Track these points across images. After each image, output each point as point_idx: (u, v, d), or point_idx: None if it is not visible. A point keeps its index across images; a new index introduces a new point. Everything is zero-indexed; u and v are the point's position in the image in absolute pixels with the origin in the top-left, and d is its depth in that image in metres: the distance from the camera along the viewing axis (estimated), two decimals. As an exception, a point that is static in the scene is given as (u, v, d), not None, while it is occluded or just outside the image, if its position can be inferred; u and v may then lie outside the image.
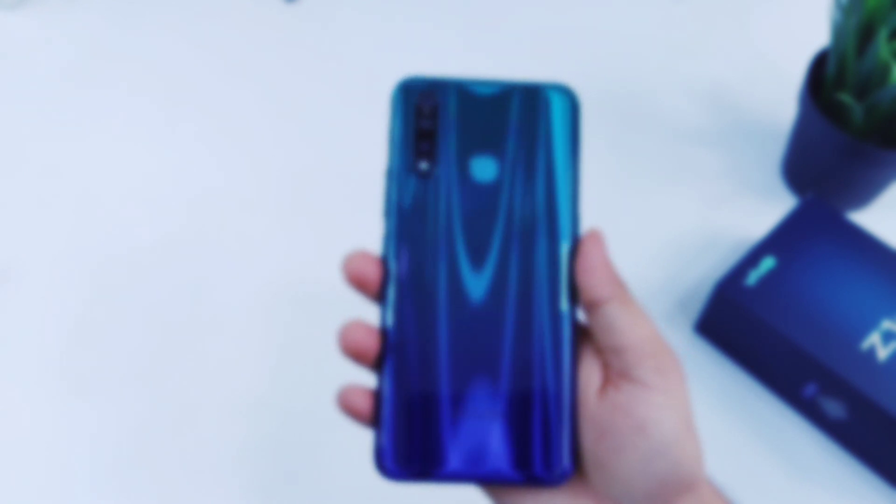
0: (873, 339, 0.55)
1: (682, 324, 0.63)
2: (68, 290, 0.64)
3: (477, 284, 0.30)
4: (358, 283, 0.30)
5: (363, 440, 0.58)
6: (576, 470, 0.30)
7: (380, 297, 0.30)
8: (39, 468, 0.56)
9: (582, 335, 0.31)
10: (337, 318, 0.63)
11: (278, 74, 0.77)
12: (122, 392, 0.59)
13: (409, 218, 0.30)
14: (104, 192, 0.69)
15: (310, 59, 0.78)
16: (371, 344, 0.29)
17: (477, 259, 0.30)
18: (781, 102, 0.76)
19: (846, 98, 0.59)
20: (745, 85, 0.77)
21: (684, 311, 0.64)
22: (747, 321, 0.57)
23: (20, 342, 0.61)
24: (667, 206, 0.69)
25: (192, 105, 0.75)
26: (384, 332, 0.30)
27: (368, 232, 0.68)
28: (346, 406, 0.29)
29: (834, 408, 0.56)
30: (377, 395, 0.30)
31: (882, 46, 0.56)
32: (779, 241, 0.59)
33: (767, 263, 0.58)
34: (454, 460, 0.29)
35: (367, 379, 0.60)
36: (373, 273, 0.30)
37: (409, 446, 0.29)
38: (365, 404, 0.29)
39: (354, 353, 0.29)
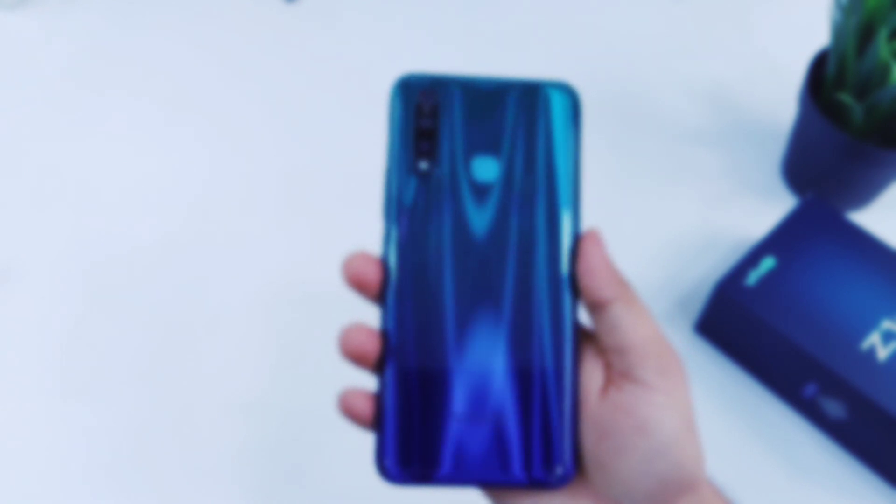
0: (873, 339, 0.55)
1: (682, 324, 0.63)
2: (68, 290, 0.64)
3: (478, 285, 0.30)
4: (358, 284, 0.29)
5: (363, 440, 0.58)
6: (576, 470, 0.30)
7: (380, 298, 0.30)
8: (38, 468, 0.56)
9: (582, 335, 0.31)
10: (337, 318, 0.63)
11: (278, 74, 0.77)
12: (121, 392, 0.59)
13: (409, 218, 0.30)
14: (104, 192, 0.69)
15: (310, 59, 0.78)
16: (372, 347, 0.29)
17: (477, 260, 0.30)
18: (781, 102, 0.76)
19: (846, 98, 0.59)
20: (745, 85, 0.77)
21: (684, 311, 0.64)
22: (747, 321, 0.57)
23: (19, 342, 0.61)
24: (667, 206, 0.69)
25: (192, 105, 0.75)
26: (385, 335, 0.29)
27: (368, 232, 0.68)
28: (348, 410, 0.29)
29: (834, 408, 0.56)
30: (378, 398, 0.29)
31: (882, 46, 0.56)
32: (779, 241, 0.59)
33: (767, 263, 0.58)
34: (456, 463, 0.29)
35: (367, 380, 0.60)
36: (373, 274, 0.29)
37: (410, 450, 0.29)
38: (366, 408, 0.29)
39: (355, 357, 0.29)
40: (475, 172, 0.30)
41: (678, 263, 0.66)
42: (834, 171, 0.64)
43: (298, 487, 0.56)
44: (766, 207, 0.69)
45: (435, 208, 0.30)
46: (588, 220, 0.68)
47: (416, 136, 0.30)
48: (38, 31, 0.79)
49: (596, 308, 0.29)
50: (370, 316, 0.63)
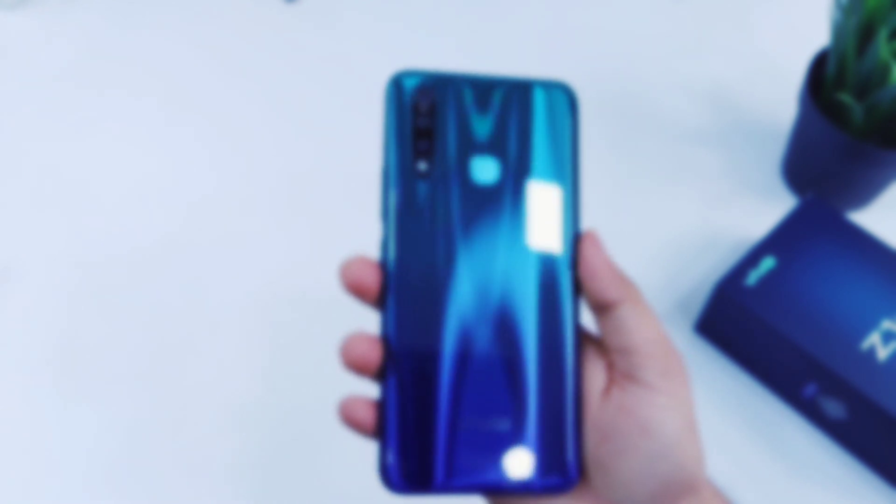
0: (873, 339, 0.55)
1: (682, 324, 0.63)
2: (66, 290, 0.64)
3: (478, 288, 0.29)
4: (357, 290, 0.29)
5: (362, 444, 0.58)
6: (581, 473, 0.30)
7: (379, 303, 0.29)
8: (34, 468, 0.56)
9: (583, 338, 0.31)
10: (335, 320, 0.63)
11: (278, 74, 0.77)
12: (119, 393, 0.59)
13: (407, 220, 0.29)
14: (103, 192, 0.69)
15: (310, 58, 0.78)
16: (374, 356, 0.28)
17: (477, 261, 0.29)
18: (781, 102, 0.76)
19: (846, 98, 0.59)
20: (745, 85, 0.77)
21: (684, 311, 0.64)
22: (747, 321, 0.57)
23: (16, 342, 0.61)
24: (667, 206, 0.69)
25: (192, 105, 0.75)
26: (386, 341, 0.29)
27: (367, 233, 0.67)
28: (349, 418, 0.28)
29: (834, 408, 0.56)
30: (380, 406, 0.29)
31: (882, 46, 0.56)
32: (779, 241, 0.59)
33: (767, 263, 0.58)
34: (460, 472, 0.28)
35: (367, 386, 0.60)
36: (372, 279, 0.29)
37: (414, 458, 0.28)
38: (368, 416, 0.28)
39: (358, 367, 0.28)
40: (473, 172, 0.30)
41: (678, 263, 0.66)
42: (834, 171, 0.64)
43: (297, 491, 0.56)
44: (766, 207, 0.69)
45: (433, 209, 0.29)
46: (589, 221, 0.68)
47: (413, 135, 0.29)
48: (38, 31, 0.79)
49: (601, 309, 0.29)
50: (369, 317, 0.63)
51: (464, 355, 0.29)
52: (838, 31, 0.60)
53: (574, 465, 0.29)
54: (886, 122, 0.63)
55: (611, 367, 0.29)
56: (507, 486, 0.29)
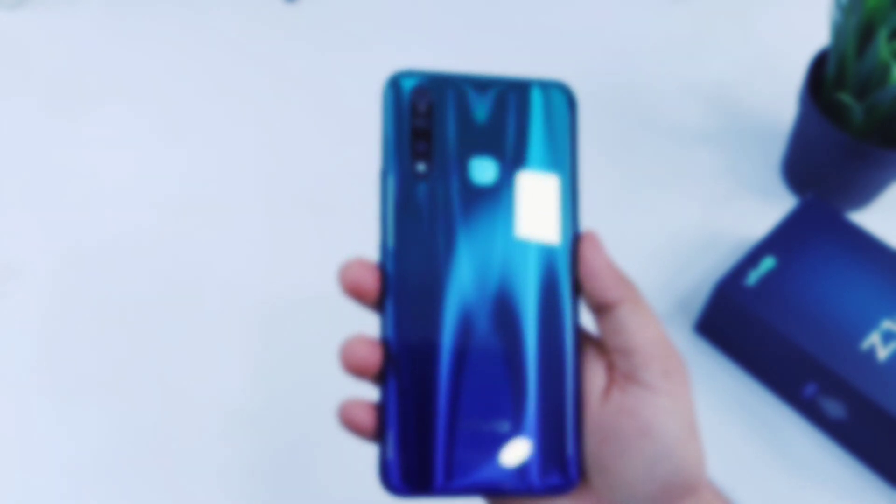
0: (873, 339, 0.55)
1: (682, 324, 0.63)
2: (58, 292, 0.64)
3: (478, 289, 0.29)
4: (356, 293, 0.28)
5: (360, 448, 0.58)
6: (581, 474, 0.30)
7: (379, 305, 0.29)
8: (23, 472, 0.56)
9: (583, 339, 0.31)
10: (334, 322, 0.63)
11: (277, 74, 0.77)
12: (111, 397, 0.59)
13: (405, 222, 0.29)
14: (103, 192, 0.69)
15: (310, 58, 0.78)
16: (374, 359, 0.28)
17: (477, 263, 0.29)
18: (781, 102, 0.76)
19: (846, 98, 0.59)
20: (745, 85, 0.77)
21: (684, 311, 0.64)
22: (747, 321, 0.57)
23: (8, 345, 0.61)
24: (667, 206, 0.69)
25: (192, 105, 0.75)
26: (385, 344, 0.29)
27: (366, 234, 0.67)
28: (348, 421, 0.28)
29: (834, 408, 0.56)
30: (380, 409, 0.29)
31: (882, 46, 0.56)
32: (779, 241, 0.59)
33: (767, 263, 0.58)
34: (460, 474, 0.28)
35: (365, 389, 0.60)
36: (371, 282, 0.28)
37: (414, 461, 0.28)
38: (367, 419, 0.28)
39: (358, 370, 0.28)
40: (472, 173, 0.30)
41: (678, 263, 0.66)
42: (834, 171, 0.64)
43: (296, 494, 0.56)
44: (766, 207, 0.69)
45: (431, 210, 0.29)
46: (589, 221, 0.68)
47: (411, 136, 0.29)
48: (38, 31, 0.79)
49: (601, 310, 0.29)
50: (369, 319, 0.63)
51: (463, 357, 0.29)
52: (838, 31, 0.60)
53: (574, 466, 0.29)
54: (886, 122, 0.63)
55: (611, 368, 0.29)
56: (507, 487, 0.29)
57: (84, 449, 0.57)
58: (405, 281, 0.29)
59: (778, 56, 0.79)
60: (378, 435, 0.29)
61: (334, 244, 0.67)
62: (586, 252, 0.29)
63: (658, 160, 0.72)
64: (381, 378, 0.29)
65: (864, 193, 0.66)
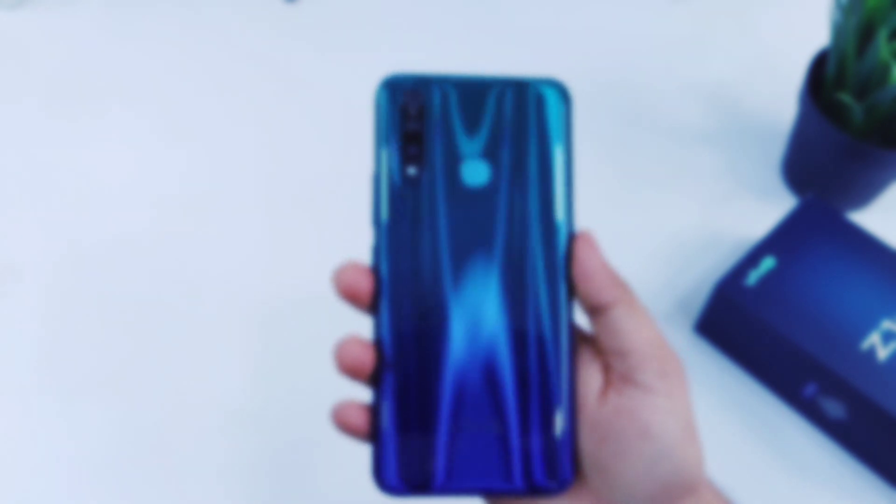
0: (873, 339, 0.55)
1: (682, 324, 0.63)
2: (57, 291, 0.64)
3: (472, 291, 0.29)
4: (350, 296, 0.29)
5: (357, 448, 0.58)
6: (575, 474, 0.30)
7: (372, 308, 0.29)
8: (23, 471, 0.56)
9: (579, 339, 0.31)
10: (328, 323, 0.63)
11: (277, 74, 0.77)
12: (109, 396, 0.59)
13: (398, 225, 0.29)
14: (102, 192, 0.69)
15: (310, 58, 0.78)
16: (368, 360, 0.28)
17: (471, 265, 0.29)
18: (781, 102, 0.76)
19: (846, 98, 0.59)
20: (744, 85, 0.77)
21: (684, 311, 0.64)
22: (747, 321, 0.57)
23: (5, 344, 0.61)
24: (667, 206, 0.69)
25: (191, 105, 0.75)
26: (379, 346, 0.29)
27: (362, 236, 0.68)
28: (342, 423, 0.29)
29: (834, 408, 0.56)
30: (374, 410, 0.29)
31: (882, 46, 0.56)
32: (779, 241, 0.59)
33: (767, 263, 0.58)
34: (453, 473, 0.29)
35: (358, 389, 0.60)
36: (364, 285, 0.29)
37: (407, 460, 0.29)
38: (361, 420, 0.29)
39: (351, 371, 0.28)
40: (465, 175, 0.29)
41: (678, 263, 0.66)
42: (834, 171, 0.64)
43: (290, 494, 0.56)
44: (766, 207, 0.69)
45: (425, 213, 0.29)
46: (588, 221, 0.68)
47: (403, 139, 0.29)
48: (38, 31, 0.79)
49: (595, 311, 0.29)
50: (363, 320, 0.63)
51: (456, 358, 0.29)
52: (838, 31, 0.60)
53: (568, 466, 0.29)
54: (886, 122, 0.63)
55: (607, 369, 0.29)
56: (499, 487, 0.29)
57: (84, 448, 0.57)
58: (397, 282, 0.29)
59: (778, 56, 0.79)
60: (371, 435, 0.29)
61: (334, 244, 0.67)
62: (581, 252, 0.29)
63: (658, 160, 0.72)
64: (373, 379, 0.29)
65: (864, 193, 0.66)
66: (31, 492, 0.55)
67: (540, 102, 0.30)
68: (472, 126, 0.30)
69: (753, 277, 0.57)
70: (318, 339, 0.62)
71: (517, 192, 0.30)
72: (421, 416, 0.29)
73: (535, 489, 0.29)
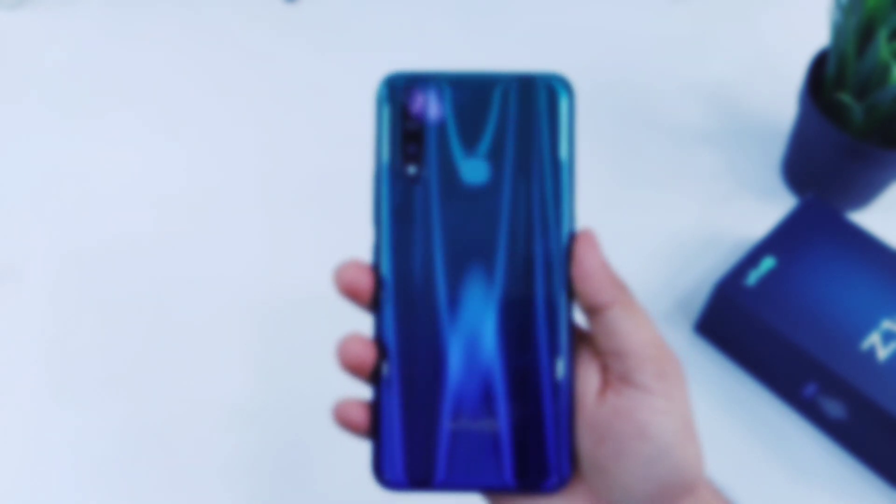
0: (873, 339, 0.55)
1: (682, 324, 0.63)
2: (58, 290, 0.64)
3: (471, 289, 0.29)
4: (351, 293, 0.29)
5: (359, 445, 0.58)
6: (573, 473, 0.30)
7: (373, 306, 0.29)
8: (23, 470, 0.56)
9: (578, 337, 0.31)
10: (330, 321, 0.63)
11: (277, 74, 0.77)
12: (110, 395, 0.59)
13: (399, 223, 0.29)
14: (102, 192, 0.69)
15: (310, 58, 0.78)
16: (370, 357, 0.29)
17: (471, 263, 0.29)
18: (781, 102, 0.76)
19: (846, 98, 0.59)
20: (744, 85, 0.77)
21: (684, 311, 0.64)
22: (747, 321, 0.57)
23: (6, 344, 0.61)
24: (667, 206, 0.69)
25: (191, 105, 0.75)
26: (379, 343, 0.29)
27: (362, 233, 0.67)
28: (343, 420, 0.29)
29: (834, 408, 0.56)
30: (374, 406, 0.29)
31: (882, 46, 0.56)
32: (779, 241, 0.59)
33: (767, 263, 0.58)
34: (452, 469, 0.29)
35: (359, 386, 0.60)
36: (365, 283, 0.29)
37: (407, 456, 0.29)
38: (361, 417, 0.29)
39: (353, 368, 0.29)
40: (466, 173, 0.29)
41: (678, 263, 0.66)
42: (834, 171, 0.64)
43: (291, 491, 0.56)
44: (766, 207, 0.69)
45: (426, 211, 0.29)
46: (588, 221, 0.68)
47: (404, 138, 0.29)
48: (38, 31, 0.79)
49: (593, 312, 0.29)
50: (367, 318, 0.63)
51: (455, 355, 0.29)
52: (838, 31, 0.60)
53: (566, 464, 0.29)
54: (886, 122, 0.63)
55: (605, 370, 0.29)
56: (497, 484, 0.29)
57: (85, 448, 0.57)
58: (398, 281, 0.29)
59: (778, 56, 0.79)
60: (371, 431, 0.29)
61: (335, 243, 0.67)
62: (581, 251, 0.29)
63: (657, 160, 0.72)
64: (373, 375, 0.29)
65: (864, 193, 0.66)
66: (34, 492, 0.55)
67: (543, 98, 0.30)
68: (474, 123, 0.30)
69: (753, 277, 0.57)
70: (320, 338, 0.62)
71: (519, 190, 0.30)
72: (421, 412, 0.29)
73: (533, 486, 0.29)
